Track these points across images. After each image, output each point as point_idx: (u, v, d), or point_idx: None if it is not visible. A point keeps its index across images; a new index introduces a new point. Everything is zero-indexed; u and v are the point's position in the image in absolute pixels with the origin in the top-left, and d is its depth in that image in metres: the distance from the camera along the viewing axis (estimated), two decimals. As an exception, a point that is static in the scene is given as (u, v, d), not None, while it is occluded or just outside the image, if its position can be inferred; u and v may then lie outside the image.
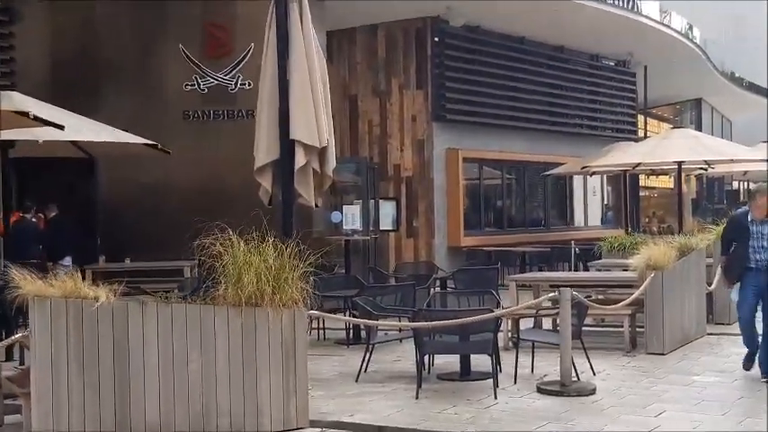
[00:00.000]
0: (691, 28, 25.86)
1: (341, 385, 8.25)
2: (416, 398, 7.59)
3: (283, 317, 6.36)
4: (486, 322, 7.66)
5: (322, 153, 8.30)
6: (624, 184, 20.76)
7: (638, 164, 17.08)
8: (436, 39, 17.59)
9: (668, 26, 22.71)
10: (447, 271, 14.43)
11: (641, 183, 29.74)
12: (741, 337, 8.59)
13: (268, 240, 6.47)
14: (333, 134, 8.46)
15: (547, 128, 20.52)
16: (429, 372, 8.61)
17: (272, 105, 8.22)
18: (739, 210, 8.86)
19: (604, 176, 23.02)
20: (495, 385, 7.72)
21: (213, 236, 6.42)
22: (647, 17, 20.76)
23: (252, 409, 6.30)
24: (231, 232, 6.46)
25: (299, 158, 8.11)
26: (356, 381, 8.38)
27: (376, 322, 8.33)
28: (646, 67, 23.94)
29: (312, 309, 10.46)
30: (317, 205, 8.44)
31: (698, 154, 15.52)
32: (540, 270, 17.74)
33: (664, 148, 15.63)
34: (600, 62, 22.61)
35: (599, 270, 12.79)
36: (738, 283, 8.43)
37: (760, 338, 8.37)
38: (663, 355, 9.48)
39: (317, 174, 8.33)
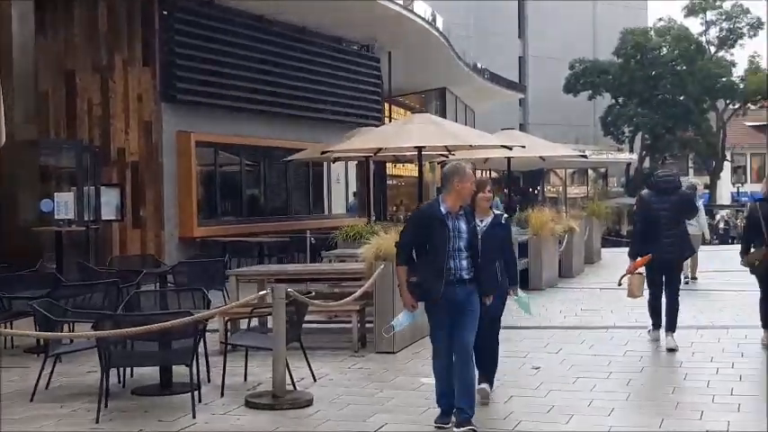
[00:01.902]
0: (434, 17, 25.82)
1: (11, 406, 6.82)
2: (97, 421, 6.33)
3: None
4: (184, 327, 6.50)
5: (-14, 126, 6.83)
6: (367, 171, 20.21)
7: (380, 149, 16.49)
8: (165, 12, 16.10)
9: (412, 12, 22.41)
10: (170, 265, 13.10)
11: (389, 171, 29.57)
12: (435, 385, 6.29)
13: None
14: (2, 103, 6.99)
15: (290, 112, 19.53)
16: (124, 385, 7.35)
17: None
18: (428, 202, 6.83)
19: (349, 163, 22.40)
20: (195, 400, 6.58)
21: None
22: (390, 1, 20.28)
23: None
24: None
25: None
26: (31, 400, 6.97)
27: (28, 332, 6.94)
28: (390, 54, 23.59)
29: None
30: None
31: (438, 139, 15.09)
32: (281, 261, 16.79)
33: (404, 132, 15.05)
34: (343, 46, 21.93)
35: (331, 261, 11.96)
36: (421, 304, 6.19)
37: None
38: (393, 353, 8.71)
39: (-21, 151, 6.85)
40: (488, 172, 37.33)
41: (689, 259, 14.90)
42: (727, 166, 55.44)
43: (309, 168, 21.06)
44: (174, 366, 7.15)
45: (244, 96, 17.93)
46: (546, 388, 7.27)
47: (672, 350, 8.79)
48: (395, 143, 15.22)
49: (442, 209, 6.07)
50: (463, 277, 6.07)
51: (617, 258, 20.81)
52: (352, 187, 23.37)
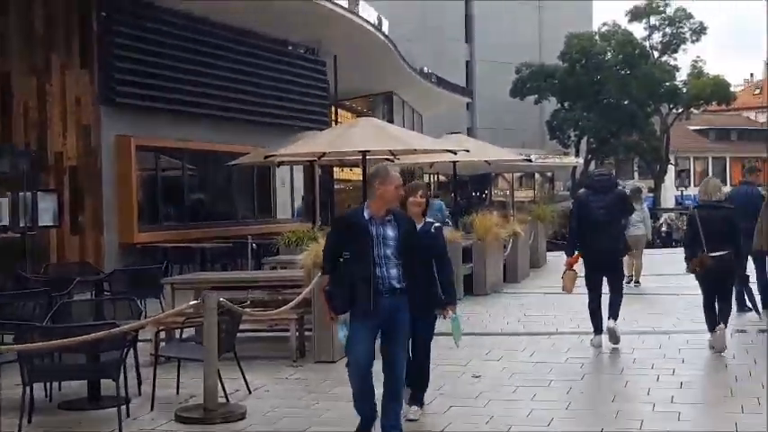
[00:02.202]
0: (380, 21, 25.75)
1: (-71, 425, 6.52)
2: (19, 439, 6.08)
3: None
4: (110, 339, 6.26)
5: None
6: (312, 175, 20.02)
7: (324, 153, 16.31)
8: (103, 14, 15.78)
9: (357, 15, 22.28)
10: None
11: (337, 175, 29.40)
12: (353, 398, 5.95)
13: None
14: None
15: (234, 116, 19.27)
16: (51, 399, 7.09)
17: None
18: (352, 208, 6.32)
19: (295, 168, 22.16)
20: (123, 416, 6.33)
21: None
22: (335, 4, 20.14)
23: None
24: None
25: None
26: (-48, 417, 6.68)
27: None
28: (336, 57, 23.43)
29: None
30: None
31: (383, 144, 14.96)
32: (225, 268, 16.53)
33: (348, 136, 14.90)
34: (288, 49, 21.72)
35: (276, 268, 11.75)
36: (347, 315, 5.74)
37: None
38: (333, 363, 8.51)
39: None
40: (436, 176, 37.43)
41: (633, 262, 15.18)
42: (671, 169, 56.20)
43: (254, 173, 20.82)
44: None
45: (186, 100, 17.66)
46: (486, 398, 7.15)
47: (613, 332, 9.00)
48: (339, 147, 15.04)
49: (366, 214, 5.72)
50: (394, 286, 5.67)
51: (563, 262, 20.91)
52: (299, 192, 23.14)
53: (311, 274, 8.59)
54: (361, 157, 15.45)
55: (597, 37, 52.18)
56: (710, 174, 55.60)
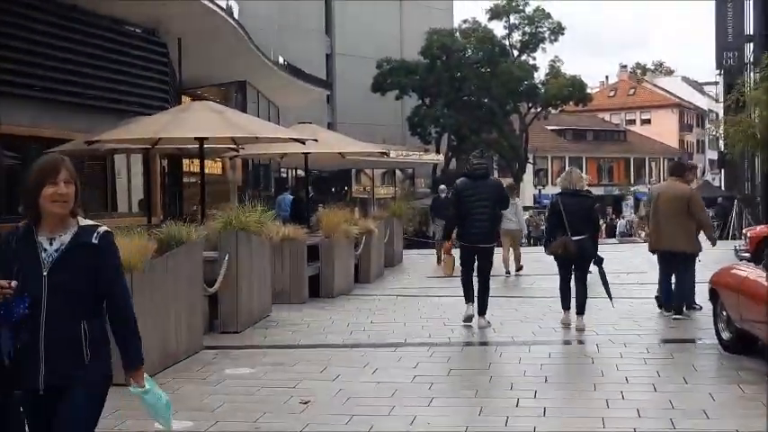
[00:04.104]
0: (230, 6, 24.16)
1: None
2: None
3: None
4: None
5: None
6: (146, 164, 18.29)
7: (158, 140, 14.68)
8: None
9: (203, -5, 20.59)
10: None
11: (188, 168, 27.60)
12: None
13: None
14: None
15: (59, 98, 17.28)
16: None
17: None
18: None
19: (134, 158, 20.30)
20: None
21: None
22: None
23: None
24: None
25: None
26: None
27: None
28: (180, 40, 21.68)
29: None
30: None
31: (221, 130, 13.47)
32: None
33: (181, 121, 13.33)
34: (123, 27, 19.81)
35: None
36: None
37: None
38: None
39: None
40: (294, 171, 36.01)
41: (513, 253, 16.04)
42: (529, 168, 56.55)
43: (86, 162, 18.86)
44: None
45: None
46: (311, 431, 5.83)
47: (482, 326, 9.65)
48: (171, 133, 13.47)
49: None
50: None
51: (422, 260, 19.91)
52: (138, 184, 21.28)
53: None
54: (198, 145, 14.02)
55: (458, 34, 51.87)
56: (568, 173, 56.30)
